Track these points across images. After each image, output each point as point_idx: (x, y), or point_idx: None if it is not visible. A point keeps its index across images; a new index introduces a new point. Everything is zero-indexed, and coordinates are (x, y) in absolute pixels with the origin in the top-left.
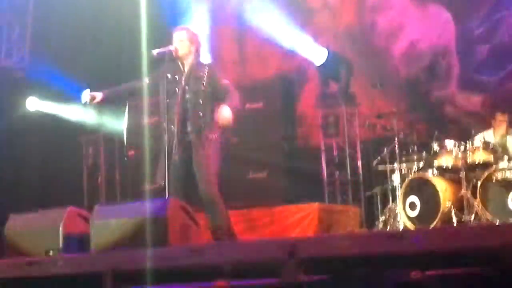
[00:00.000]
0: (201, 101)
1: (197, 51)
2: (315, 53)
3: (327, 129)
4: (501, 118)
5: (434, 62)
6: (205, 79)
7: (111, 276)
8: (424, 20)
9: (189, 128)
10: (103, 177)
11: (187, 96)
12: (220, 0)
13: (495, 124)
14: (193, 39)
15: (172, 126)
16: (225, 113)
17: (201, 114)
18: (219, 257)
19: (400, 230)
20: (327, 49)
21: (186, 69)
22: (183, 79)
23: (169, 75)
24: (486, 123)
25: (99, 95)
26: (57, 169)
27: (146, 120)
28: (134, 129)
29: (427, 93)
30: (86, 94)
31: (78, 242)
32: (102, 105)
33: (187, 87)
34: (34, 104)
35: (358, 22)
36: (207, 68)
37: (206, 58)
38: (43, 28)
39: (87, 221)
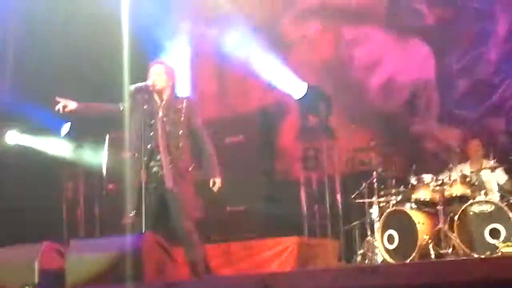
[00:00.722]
0: (180, 132)
1: (174, 85)
2: (295, 87)
3: (306, 163)
4: (475, 144)
5: (413, 96)
6: (183, 111)
7: None
8: (403, 54)
9: (165, 160)
10: (83, 211)
11: (167, 128)
12: (200, 34)
13: (470, 152)
14: (169, 73)
15: (145, 158)
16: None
17: (180, 144)
18: None
19: (378, 263)
20: (306, 82)
21: (163, 102)
22: (161, 111)
23: (145, 107)
24: (465, 158)
25: (72, 104)
26: (36, 202)
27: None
28: (114, 162)
29: (406, 127)
30: (67, 126)
31: (54, 278)
32: (84, 136)
33: (165, 119)
34: (13, 138)
35: (335, 56)
36: (185, 101)
37: (185, 91)
38: (24, 62)
39: (63, 256)
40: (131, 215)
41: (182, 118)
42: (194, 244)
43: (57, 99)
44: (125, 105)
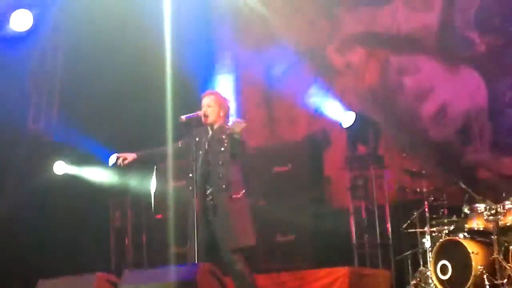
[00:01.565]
0: (220, 162)
1: (226, 116)
2: (343, 115)
3: (355, 191)
4: None
5: (466, 125)
6: (227, 140)
7: None
8: (455, 83)
9: (210, 190)
10: (130, 240)
11: (209, 158)
12: (248, 61)
13: None
14: (222, 103)
15: (196, 188)
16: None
17: (221, 175)
18: None
19: None
20: (353, 110)
21: (211, 133)
22: (207, 142)
23: (197, 139)
24: None
25: (130, 156)
26: (85, 232)
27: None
28: (162, 192)
29: (458, 156)
30: (115, 156)
31: None
32: (131, 166)
33: (209, 149)
34: (61, 167)
35: (382, 83)
36: (229, 131)
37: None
38: (71, 92)
39: (115, 286)
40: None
41: (223, 149)
42: (244, 276)
43: (116, 155)
44: (168, 135)
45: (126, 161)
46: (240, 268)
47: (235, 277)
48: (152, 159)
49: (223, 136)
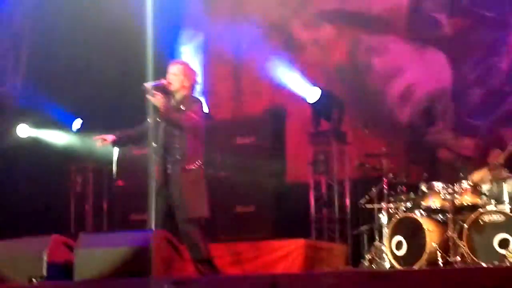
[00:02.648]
0: (178, 133)
1: (191, 86)
2: (308, 91)
3: (316, 166)
4: (497, 156)
5: (430, 106)
6: (186, 112)
7: None
8: (422, 64)
9: (168, 159)
10: (91, 206)
11: (168, 127)
12: (216, 36)
13: (489, 159)
14: (187, 74)
15: (156, 157)
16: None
17: (177, 145)
18: None
19: (386, 269)
20: (319, 86)
21: (174, 102)
22: (168, 109)
23: (155, 106)
24: (478, 167)
25: (110, 137)
26: (45, 196)
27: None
28: (124, 159)
29: (421, 136)
30: (79, 121)
31: (61, 270)
32: (95, 132)
33: (170, 119)
34: (25, 130)
35: (351, 62)
36: (190, 101)
37: (199, 93)
38: (37, 57)
39: (71, 250)
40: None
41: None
42: (197, 244)
43: (96, 137)
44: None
45: (104, 142)
46: (193, 237)
47: (189, 246)
48: (130, 140)
49: (183, 107)
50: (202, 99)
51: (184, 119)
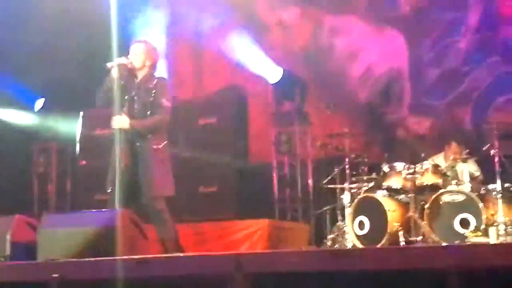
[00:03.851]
0: (148, 113)
1: (153, 65)
2: (270, 71)
3: (279, 147)
4: (455, 149)
5: (388, 85)
6: (154, 91)
7: (57, 285)
8: (380, 44)
9: (137, 138)
10: (54, 186)
11: (135, 106)
12: (177, 14)
13: (448, 150)
14: (149, 52)
15: (123, 135)
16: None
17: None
18: (166, 270)
19: (348, 248)
20: (282, 67)
21: (137, 81)
22: (133, 90)
23: (122, 82)
24: (435, 147)
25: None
26: (7, 176)
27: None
28: (87, 139)
29: (381, 116)
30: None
31: (25, 250)
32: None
33: (135, 98)
34: None
35: (313, 43)
36: (156, 81)
37: (161, 72)
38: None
39: (35, 230)
40: (108, 191)
41: (152, 98)
42: (165, 223)
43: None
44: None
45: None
46: (161, 216)
47: (156, 224)
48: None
49: (150, 86)
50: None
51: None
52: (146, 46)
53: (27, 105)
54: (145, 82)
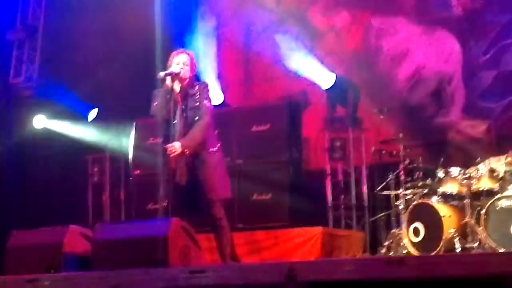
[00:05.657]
0: (197, 118)
1: (194, 76)
2: (323, 77)
3: (333, 153)
4: None
5: (439, 88)
6: (197, 96)
7: None
8: (430, 46)
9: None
10: (108, 196)
11: (187, 114)
12: (228, 20)
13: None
14: (193, 63)
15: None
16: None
17: None
18: (218, 279)
19: (403, 255)
20: (335, 73)
21: (181, 90)
22: (180, 97)
23: (168, 96)
24: (491, 150)
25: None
26: (63, 187)
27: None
28: (141, 148)
29: (431, 119)
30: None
31: (79, 261)
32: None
33: (183, 107)
34: (41, 122)
35: (364, 47)
36: (197, 86)
37: (211, 78)
38: (53, 47)
39: (89, 240)
40: (164, 204)
41: (197, 103)
42: (224, 230)
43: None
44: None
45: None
46: (221, 224)
47: (215, 232)
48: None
49: (194, 92)
50: (216, 86)
51: (203, 110)
52: (190, 56)
53: (81, 116)
54: (190, 88)
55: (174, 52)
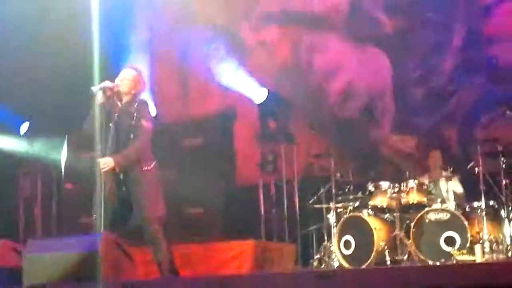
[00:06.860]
0: (132, 136)
1: (138, 94)
2: (255, 92)
3: (265, 167)
4: (434, 155)
5: (370, 103)
6: (135, 114)
7: None
8: (362, 62)
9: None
10: (40, 210)
11: (121, 131)
12: (163, 38)
13: (430, 162)
14: (139, 81)
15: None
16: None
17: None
18: None
19: (333, 268)
20: (266, 87)
21: (121, 106)
22: (116, 114)
23: (106, 108)
24: (420, 166)
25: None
26: None
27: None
28: (73, 162)
29: (363, 133)
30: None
31: (9, 275)
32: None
33: (119, 122)
34: None
35: (294, 62)
36: (137, 104)
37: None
38: None
39: (20, 255)
40: (93, 218)
41: (133, 121)
42: (160, 243)
43: (100, 160)
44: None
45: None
46: (156, 237)
47: (152, 245)
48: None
49: (133, 110)
50: (149, 100)
51: (141, 130)
52: (137, 75)
53: (12, 129)
54: (128, 106)
55: (124, 67)
